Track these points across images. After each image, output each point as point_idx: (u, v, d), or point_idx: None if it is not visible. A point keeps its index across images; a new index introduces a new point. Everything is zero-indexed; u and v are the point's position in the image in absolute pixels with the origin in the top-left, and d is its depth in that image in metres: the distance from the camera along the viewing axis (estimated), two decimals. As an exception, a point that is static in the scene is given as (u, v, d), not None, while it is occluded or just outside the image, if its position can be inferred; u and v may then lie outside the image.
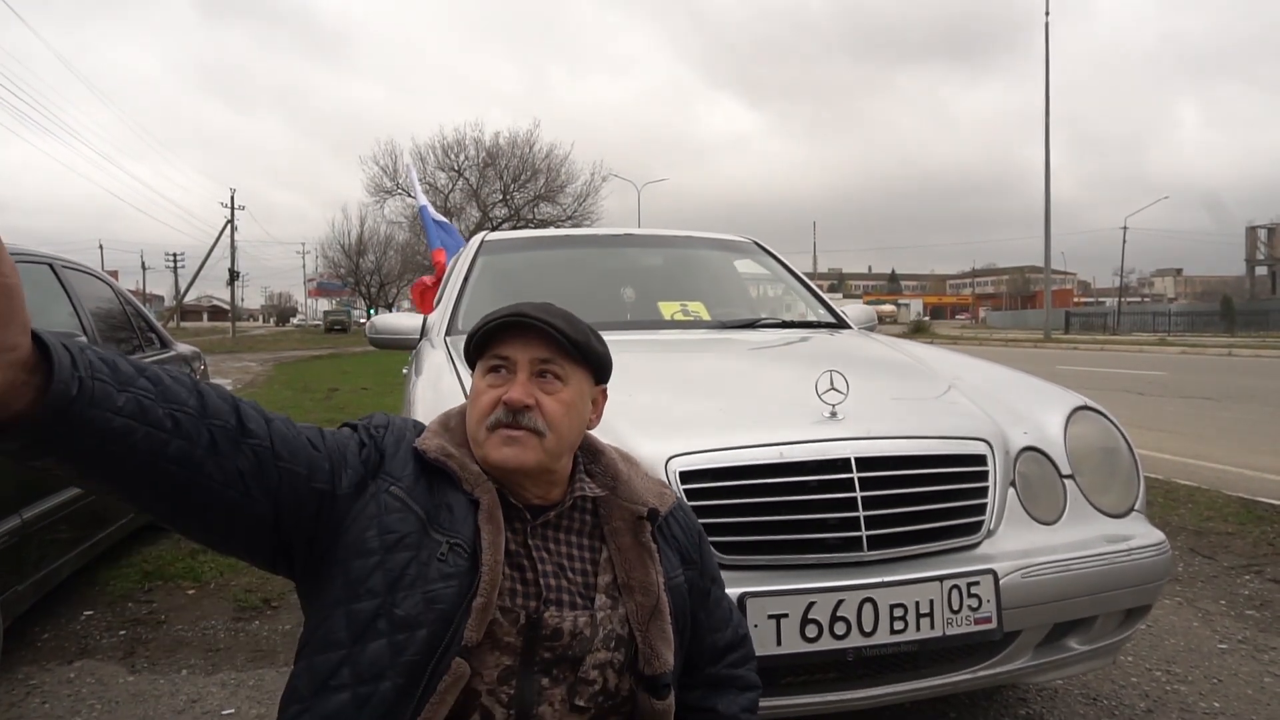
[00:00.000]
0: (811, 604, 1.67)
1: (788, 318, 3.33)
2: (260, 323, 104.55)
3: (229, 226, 43.35)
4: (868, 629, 1.69)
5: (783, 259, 3.78)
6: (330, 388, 13.54)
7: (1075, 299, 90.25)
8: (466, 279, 3.26)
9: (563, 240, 3.70)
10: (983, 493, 1.89)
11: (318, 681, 1.05)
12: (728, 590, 1.60)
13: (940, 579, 1.74)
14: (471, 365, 1.26)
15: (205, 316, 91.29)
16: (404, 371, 3.80)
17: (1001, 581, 1.79)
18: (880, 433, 1.87)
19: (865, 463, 1.78)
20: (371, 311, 54.82)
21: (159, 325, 4.93)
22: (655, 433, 1.84)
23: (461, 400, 2.06)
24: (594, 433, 1.34)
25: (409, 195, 31.89)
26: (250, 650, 2.94)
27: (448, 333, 2.97)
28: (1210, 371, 14.92)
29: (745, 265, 3.83)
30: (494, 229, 34.93)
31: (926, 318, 74.58)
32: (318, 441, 1.12)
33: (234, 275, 45.42)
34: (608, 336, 3.31)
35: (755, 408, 2.06)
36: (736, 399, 2.15)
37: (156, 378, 0.96)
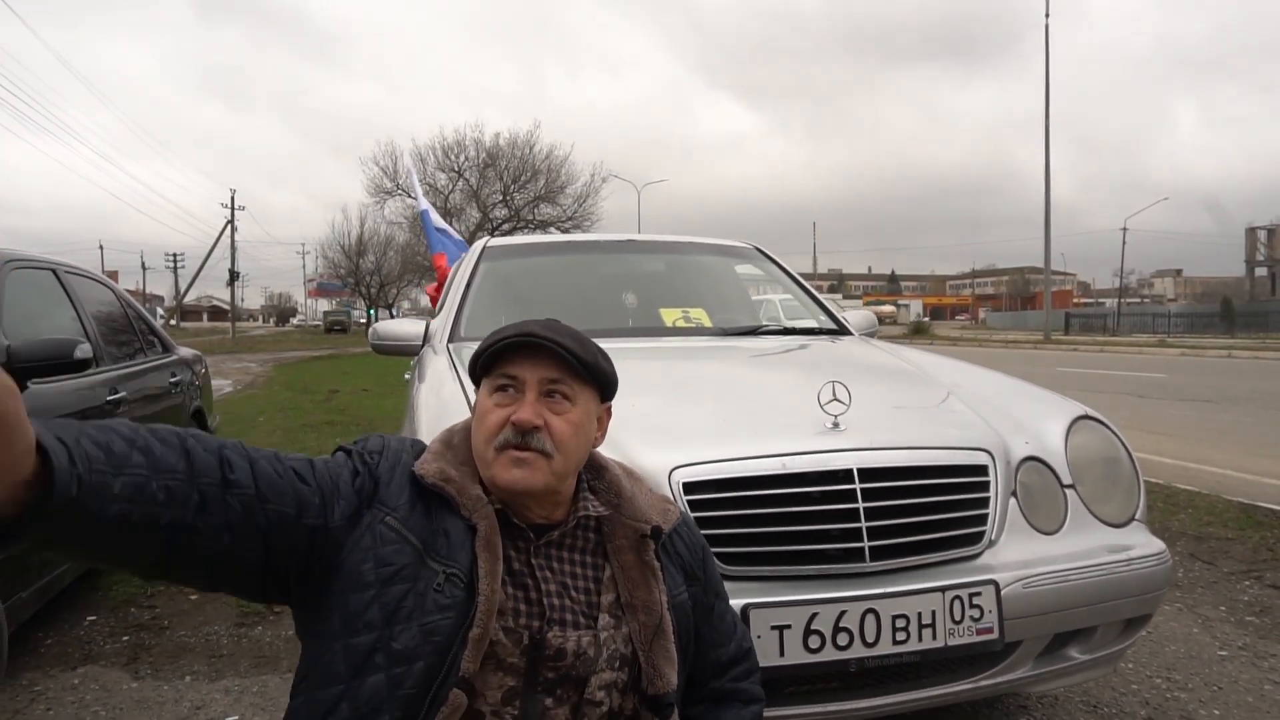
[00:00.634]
0: (814, 615, 1.68)
1: (788, 324, 3.34)
2: (260, 323, 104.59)
3: (229, 227, 43.35)
4: (870, 639, 1.70)
5: (783, 264, 3.79)
6: (331, 389, 13.54)
7: (1075, 300, 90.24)
8: (469, 285, 3.27)
9: (565, 246, 3.71)
10: (984, 503, 1.91)
11: (316, 716, 1.06)
12: (731, 601, 1.61)
13: (942, 590, 1.75)
14: (476, 382, 1.25)
15: (205, 317, 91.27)
16: (406, 376, 3.81)
17: (1003, 592, 1.80)
18: (882, 443, 1.88)
19: (867, 473, 1.79)
20: (371, 312, 54.89)
21: (160, 328, 4.94)
22: (658, 443, 1.85)
23: (464, 408, 2.08)
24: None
25: (409, 196, 31.89)
26: (253, 656, 2.95)
27: (450, 339, 2.98)
28: (1210, 373, 14.93)
29: (746, 271, 3.84)
30: (494, 230, 34.79)
31: (926, 319, 74.60)
32: (307, 474, 1.11)
33: (234, 276, 45.42)
34: (610, 344, 3.30)
35: (758, 418, 2.07)
36: (739, 408, 2.16)
37: (147, 448, 0.95)
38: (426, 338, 3.13)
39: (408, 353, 3.22)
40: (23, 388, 2.82)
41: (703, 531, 1.72)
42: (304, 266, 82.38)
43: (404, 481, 1.17)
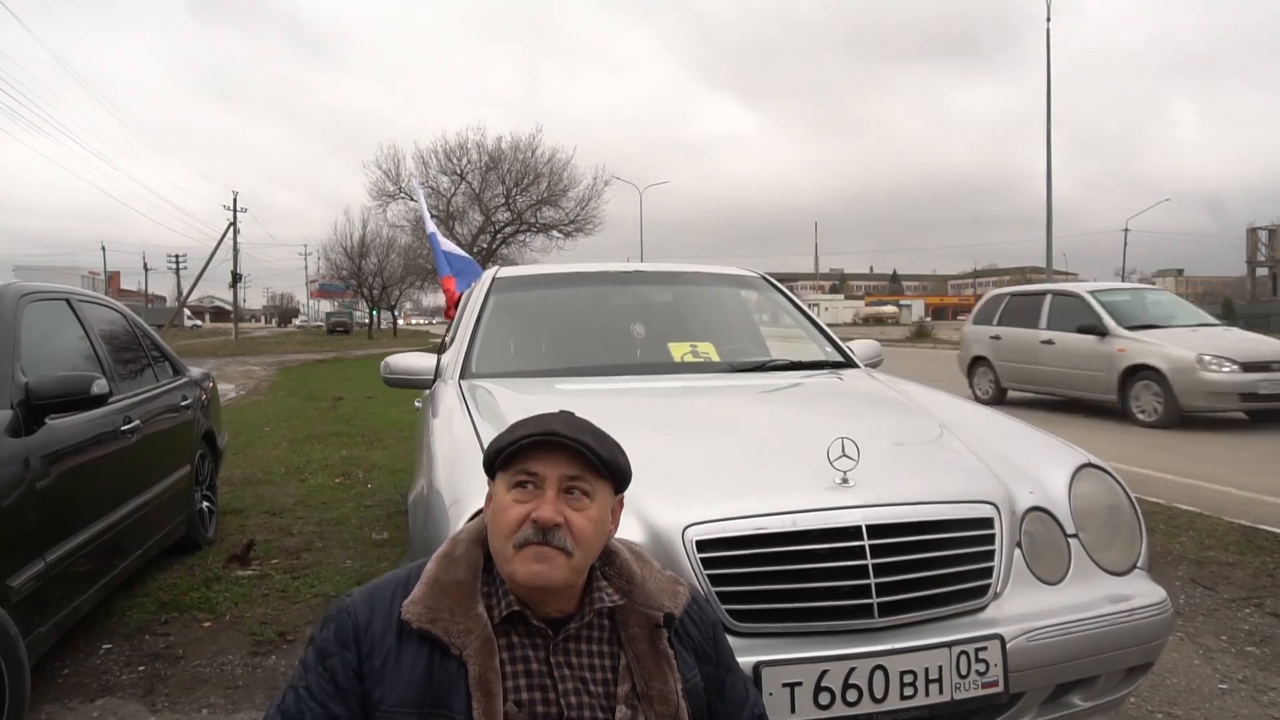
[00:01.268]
0: (824, 672, 1.72)
1: (793, 357, 3.38)
2: (262, 323, 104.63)
3: (231, 229, 43.40)
4: (879, 696, 1.74)
5: (789, 293, 3.83)
6: (335, 396, 13.59)
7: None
8: (479, 319, 3.31)
9: (573, 278, 3.75)
10: (990, 555, 1.95)
11: None
12: (743, 659, 1.65)
13: (949, 645, 1.80)
14: (491, 473, 1.28)
15: (207, 317, 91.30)
16: (417, 405, 3.85)
17: (1008, 646, 1.84)
18: (890, 499, 1.92)
19: (876, 530, 1.83)
20: (374, 313, 54.96)
21: (169, 349, 4.98)
22: (671, 498, 1.89)
23: (475, 447, 2.12)
24: None
25: (411, 199, 31.90)
26: (268, 687, 2.99)
27: (462, 375, 3.02)
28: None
29: (752, 300, 3.88)
30: (497, 233, 34.61)
31: (929, 319, 74.54)
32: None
33: (236, 278, 45.45)
34: (620, 383, 3.33)
35: (768, 470, 2.10)
36: (749, 458, 2.20)
37: None
38: (438, 372, 3.17)
39: (419, 386, 3.26)
40: (41, 424, 2.87)
41: (715, 589, 1.78)
42: (306, 268, 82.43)
43: (394, 640, 1.19)
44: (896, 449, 2.32)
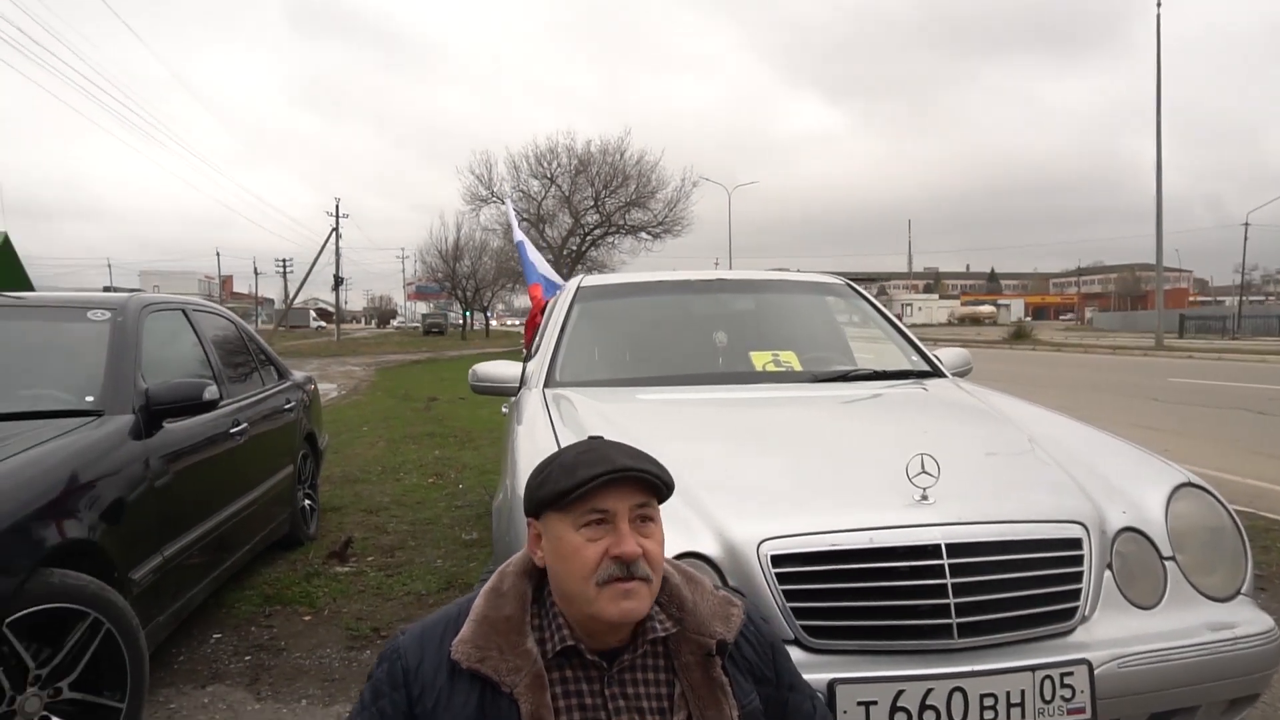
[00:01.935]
0: (900, 692, 1.71)
1: (877, 366, 3.33)
2: (362, 325, 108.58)
3: (334, 234, 45.22)
4: (957, 718, 1.71)
5: (874, 300, 3.78)
6: (429, 397, 14.01)
7: (1191, 297, 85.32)
8: (563, 328, 3.38)
9: (656, 286, 3.78)
10: (1078, 577, 1.89)
11: None
12: (817, 676, 1.65)
13: (1033, 669, 1.75)
14: (540, 512, 1.26)
15: (312, 318, 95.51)
16: (504, 410, 3.96)
17: (1097, 672, 1.78)
18: (972, 517, 1.88)
19: (956, 549, 1.80)
20: (467, 314, 56.36)
21: (274, 354, 5.25)
22: (746, 512, 1.90)
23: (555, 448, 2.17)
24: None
25: (503, 203, 32.59)
26: (362, 681, 3.09)
27: (546, 384, 3.10)
28: (1342, 385, 13.93)
29: (838, 307, 3.84)
30: (586, 235, 35.04)
31: (1029, 319, 71.78)
32: None
33: (339, 281, 47.36)
34: (702, 393, 3.32)
35: (846, 485, 2.09)
36: (827, 473, 2.19)
37: None
38: (523, 380, 3.25)
39: (505, 393, 3.35)
40: (159, 427, 3.08)
41: (790, 604, 1.78)
42: (403, 270, 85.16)
43: (445, 680, 1.20)
44: (980, 464, 2.27)
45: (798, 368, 3.19)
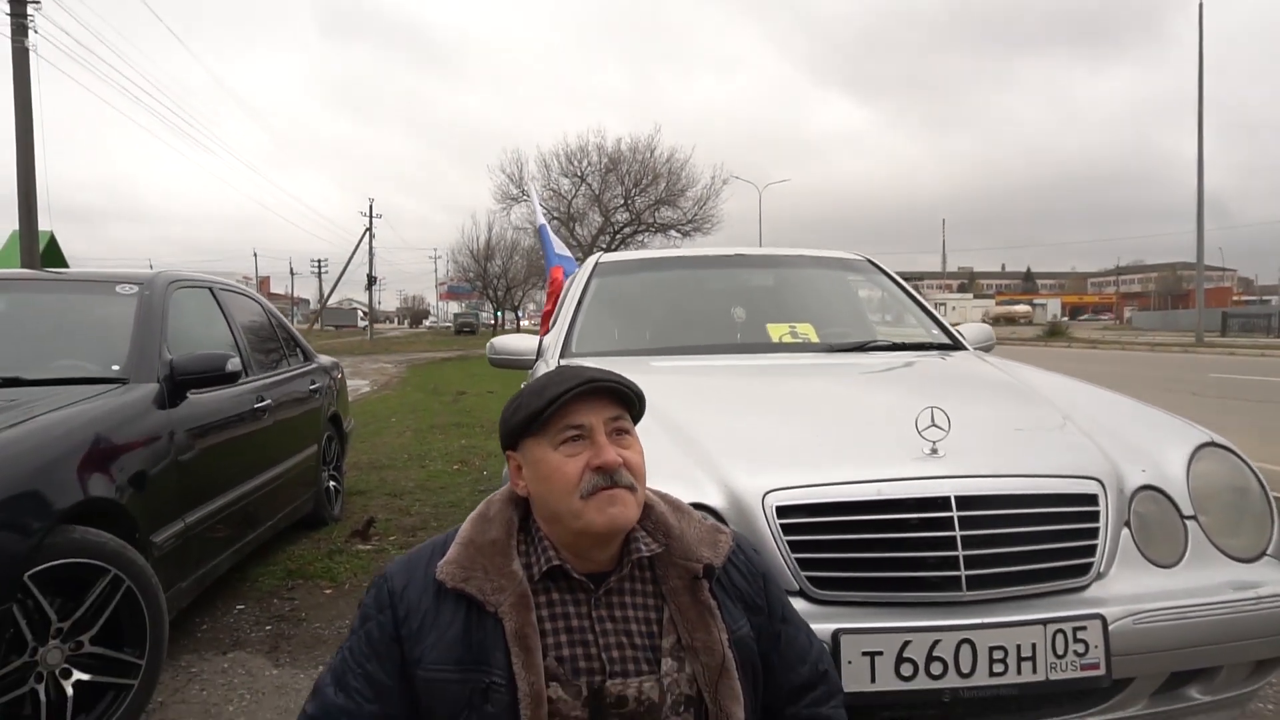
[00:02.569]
0: (906, 643, 1.68)
1: (898, 339, 3.29)
2: (395, 324, 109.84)
3: (367, 234, 45.76)
4: (965, 670, 1.68)
5: (895, 276, 3.73)
6: (458, 390, 14.12)
7: (1235, 296, 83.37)
8: (581, 301, 3.38)
9: (674, 261, 3.77)
10: (1093, 533, 1.84)
11: None
12: (822, 626, 1.63)
13: (1044, 622, 1.71)
14: (515, 442, 1.27)
15: (359, 317, 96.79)
16: (523, 387, 3.97)
17: (1111, 627, 1.73)
18: (982, 470, 1.85)
19: (965, 501, 1.77)
20: (499, 314, 56.78)
21: (301, 338, 5.32)
22: (753, 465, 1.89)
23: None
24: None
25: (529, 197, 32.78)
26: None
27: (562, 355, 3.10)
28: (1391, 381, 13.52)
29: (858, 283, 3.80)
30: (616, 233, 35.03)
31: (1065, 318, 70.64)
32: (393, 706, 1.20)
33: (372, 280, 47.92)
34: (717, 360, 3.31)
35: (854, 441, 2.07)
36: (836, 431, 2.16)
37: None
38: (540, 352, 3.26)
39: (522, 366, 3.36)
40: (184, 398, 3.13)
41: (795, 555, 1.76)
42: (435, 270, 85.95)
43: (430, 601, 1.21)
44: (995, 422, 2.23)
45: (815, 339, 3.16)
